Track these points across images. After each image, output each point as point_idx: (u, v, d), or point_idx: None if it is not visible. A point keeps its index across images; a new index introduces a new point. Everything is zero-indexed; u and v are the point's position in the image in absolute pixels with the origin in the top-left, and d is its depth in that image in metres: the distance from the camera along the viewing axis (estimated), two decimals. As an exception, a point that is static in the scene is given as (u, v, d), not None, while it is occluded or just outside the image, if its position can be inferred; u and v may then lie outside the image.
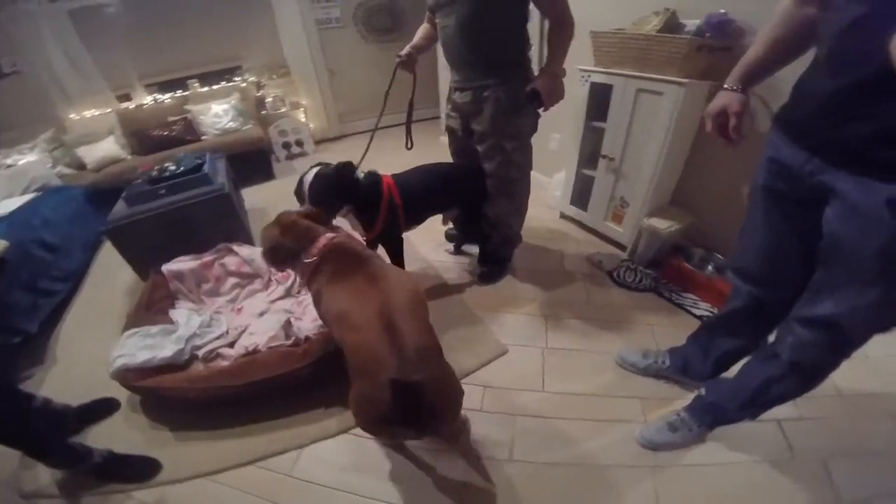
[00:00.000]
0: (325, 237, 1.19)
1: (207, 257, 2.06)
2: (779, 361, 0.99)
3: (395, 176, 1.77)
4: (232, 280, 2.05)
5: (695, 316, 1.76)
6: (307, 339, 1.54)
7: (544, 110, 1.65)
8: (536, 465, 1.29)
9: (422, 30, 1.86)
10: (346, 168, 1.61)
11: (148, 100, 4.03)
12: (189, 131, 3.74)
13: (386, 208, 1.69)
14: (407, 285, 1.09)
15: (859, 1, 0.67)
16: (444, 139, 2.05)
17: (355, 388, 0.98)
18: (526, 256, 2.22)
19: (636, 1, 1.89)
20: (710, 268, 1.87)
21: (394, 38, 4.51)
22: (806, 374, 0.97)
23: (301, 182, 1.61)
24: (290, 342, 1.58)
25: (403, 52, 1.81)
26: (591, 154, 2.19)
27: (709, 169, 1.91)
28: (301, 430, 1.46)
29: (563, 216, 2.54)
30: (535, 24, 2.21)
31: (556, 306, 1.90)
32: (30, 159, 3.26)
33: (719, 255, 1.89)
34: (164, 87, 4.17)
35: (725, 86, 0.99)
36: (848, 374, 0.94)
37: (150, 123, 3.69)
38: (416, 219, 1.85)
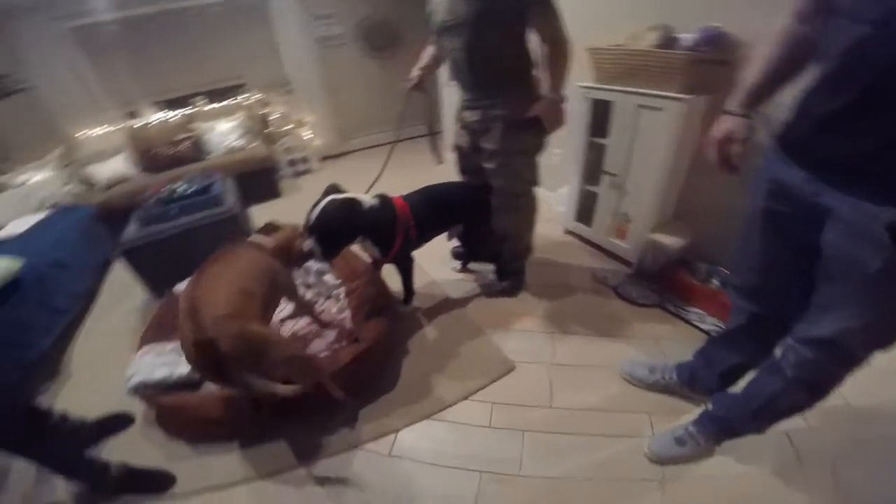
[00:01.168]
0: None
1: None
2: (783, 376, 0.99)
3: (405, 198, 1.82)
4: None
5: (701, 330, 1.77)
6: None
7: (539, 134, 1.71)
8: (546, 480, 1.31)
9: (428, 51, 1.90)
10: (352, 205, 1.59)
11: (155, 117, 4.10)
12: (196, 150, 3.80)
13: (402, 231, 1.73)
14: (221, 271, 1.32)
15: (862, 20, 0.67)
16: (449, 155, 2.09)
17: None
18: (532, 272, 2.24)
19: (630, 17, 1.92)
20: (715, 282, 1.89)
21: (394, 54, 4.59)
22: (811, 389, 0.98)
23: (309, 216, 1.58)
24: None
25: (413, 74, 1.86)
26: (593, 170, 2.22)
27: (710, 182, 1.91)
28: (314, 443, 1.48)
29: (567, 231, 2.57)
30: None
31: (562, 322, 1.91)
32: (40, 178, 3.31)
33: (724, 269, 1.90)
34: (171, 104, 4.25)
35: (729, 109, 0.96)
36: (855, 384, 0.96)
37: (158, 141, 3.74)
38: (424, 238, 1.89)
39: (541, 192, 2.38)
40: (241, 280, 1.31)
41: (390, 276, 2.00)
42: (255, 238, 1.56)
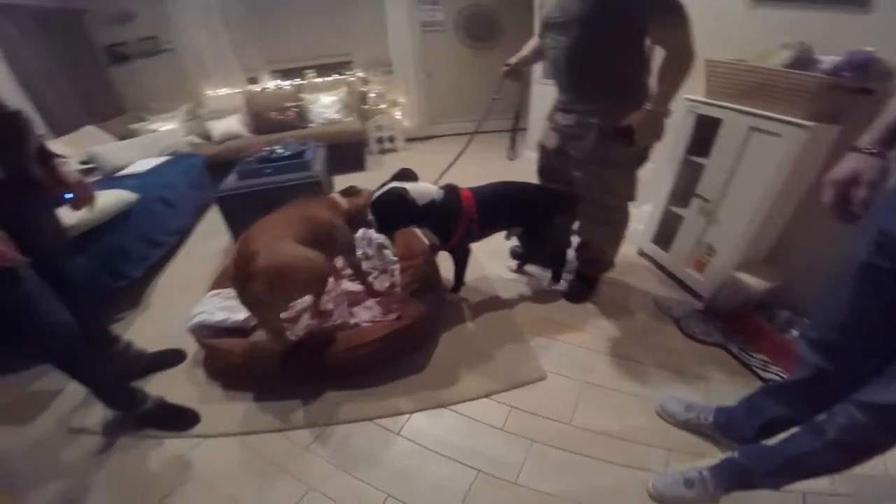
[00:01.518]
0: None
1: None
2: (823, 438, 0.92)
3: (472, 190, 1.81)
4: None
5: (761, 378, 1.60)
6: (356, 325, 1.63)
7: (627, 145, 1.55)
8: (538, 493, 1.28)
9: (531, 43, 1.84)
10: (404, 197, 1.62)
11: (270, 85, 4.51)
12: (299, 118, 4.13)
13: (464, 223, 1.73)
14: (288, 212, 1.59)
15: None
16: (529, 153, 2.04)
17: None
18: (590, 288, 2.14)
19: (765, 32, 1.72)
20: (793, 332, 1.67)
21: (490, 46, 4.58)
22: (850, 453, 0.91)
23: (373, 194, 1.68)
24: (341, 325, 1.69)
25: (512, 60, 1.83)
26: (684, 191, 2.02)
27: (819, 226, 1.67)
28: (331, 409, 1.56)
29: (640, 252, 2.39)
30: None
31: (608, 343, 1.81)
32: (169, 127, 3.83)
33: (807, 321, 1.66)
34: (285, 74, 4.64)
35: (859, 146, 0.81)
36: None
37: (269, 106, 4.13)
38: (484, 233, 1.88)
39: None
40: (299, 222, 1.53)
41: (444, 261, 2.02)
42: (335, 196, 1.81)
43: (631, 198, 1.78)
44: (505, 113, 2.08)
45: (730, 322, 1.84)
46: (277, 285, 1.36)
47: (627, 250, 2.42)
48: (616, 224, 1.85)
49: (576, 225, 1.96)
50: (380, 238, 2.19)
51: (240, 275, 1.38)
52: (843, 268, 0.92)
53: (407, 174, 1.78)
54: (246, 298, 1.43)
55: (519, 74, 1.83)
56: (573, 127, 1.66)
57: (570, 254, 2.11)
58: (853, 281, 0.88)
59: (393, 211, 1.61)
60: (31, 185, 1.27)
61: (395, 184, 1.66)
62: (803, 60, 1.53)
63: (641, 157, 1.67)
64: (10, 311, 1.17)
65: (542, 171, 1.98)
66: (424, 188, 1.69)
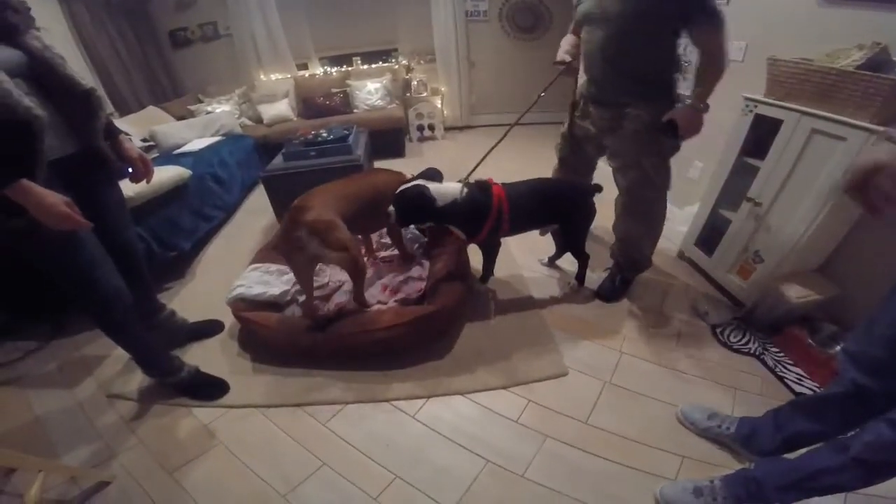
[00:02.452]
0: None
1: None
2: (843, 455, 0.90)
3: (506, 186, 1.78)
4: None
5: (794, 392, 1.53)
6: (381, 309, 1.69)
7: (674, 139, 1.59)
8: (543, 489, 1.27)
9: (570, 40, 1.83)
10: (423, 198, 1.64)
11: (319, 71, 4.63)
12: (344, 103, 4.23)
13: (494, 217, 1.73)
14: (351, 178, 1.88)
15: None
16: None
17: None
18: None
19: (835, 31, 1.60)
20: (836, 348, 1.57)
21: (535, 38, 4.49)
22: (871, 471, 0.88)
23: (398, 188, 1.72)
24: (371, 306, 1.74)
25: (567, 58, 1.79)
26: (734, 193, 1.91)
27: (879, 242, 1.55)
28: (352, 387, 1.62)
29: (681, 255, 2.29)
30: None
31: (637, 345, 1.76)
32: (224, 109, 4.02)
33: (851, 335, 1.55)
34: (333, 60, 4.75)
35: (892, 134, 0.77)
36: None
37: (317, 92, 4.26)
38: (516, 230, 1.86)
39: (671, 207, 2.22)
40: (353, 188, 1.77)
41: (475, 251, 2.01)
42: (404, 175, 1.96)
43: (668, 188, 1.76)
44: (549, 106, 2.03)
45: (769, 332, 1.75)
46: (316, 235, 1.52)
47: (667, 252, 2.34)
48: (656, 218, 1.83)
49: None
50: (412, 230, 2.22)
51: (288, 224, 1.54)
52: None
53: (432, 174, 1.82)
54: (286, 245, 1.57)
55: (575, 71, 1.80)
56: (609, 120, 1.68)
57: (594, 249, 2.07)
58: None
59: (412, 206, 1.65)
60: (100, 158, 1.38)
61: (420, 181, 1.70)
62: (878, 62, 1.41)
63: (677, 148, 1.68)
64: (73, 274, 1.27)
65: (565, 160, 2.02)
66: (445, 189, 1.70)
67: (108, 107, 3.51)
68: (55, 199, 1.07)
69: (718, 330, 1.80)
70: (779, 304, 1.69)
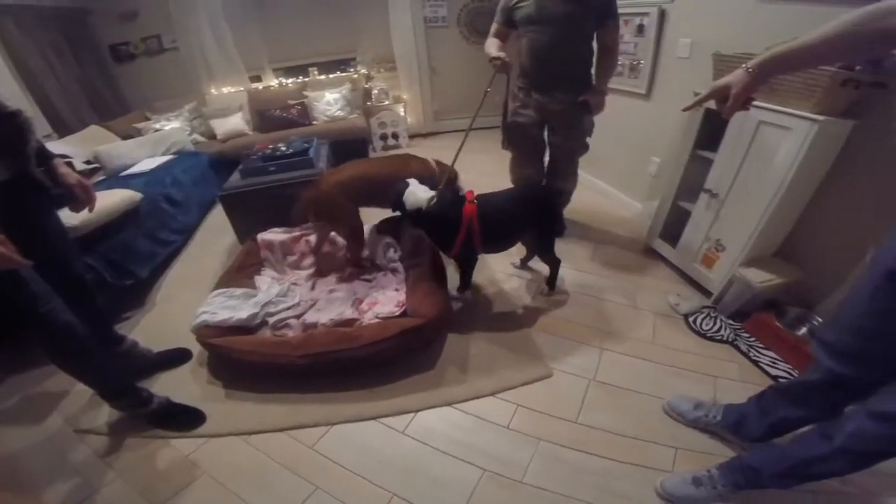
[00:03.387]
0: None
1: (297, 232, 2.25)
2: (829, 444, 0.93)
3: (479, 200, 1.75)
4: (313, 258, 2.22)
5: (770, 376, 1.59)
6: (360, 323, 1.64)
7: (589, 115, 2.10)
8: (545, 492, 1.27)
9: (496, 42, 1.98)
10: (399, 194, 1.76)
11: (274, 82, 4.50)
12: (303, 115, 4.11)
13: (464, 234, 1.72)
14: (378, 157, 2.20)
15: None
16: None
17: None
18: (597, 285, 2.12)
19: (774, 26, 1.68)
20: (803, 329, 1.65)
21: None
22: (856, 460, 0.92)
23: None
24: (348, 321, 1.70)
25: (502, 55, 1.86)
26: (692, 186, 2.00)
27: (832, 223, 1.65)
28: (337, 408, 1.56)
29: (647, 248, 2.36)
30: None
31: (616, 340, 1.79)
32: (174, 126, 3.83)
33: (818, 319, 1.64)
34: (289, 72, 4.62)
35: (744, 66, 0.94)
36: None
37: (273, 104, 4.12)
38: (490, 247, 1.86)
39: (625, 200, 2.58)
40: (375, 170, 2.05)
41: (452, 261, 2.00)
42: (432, 161, 2.20)
43: (587, 150, 2.26)
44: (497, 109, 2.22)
45: (739, 318, 1.82)
46: (314, 207, 1.88)
47: (633, 246, 2.42)
48: (576, 173, 2.37)
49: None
50: (387, 238, 2.19)
51: (307, 191, 1.93)
52: (868, 273, 0.91)
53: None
54: (302, 212, 1.97)
55: (509, 68, 1.89)
56: (556, 105, 2.05)
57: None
58: (877, 287, 0.87)
59: (394, 200, 1.77)
60: (34, 185, 1.27)
61: (412, 181, 1.78)
62: (815, 54, 1.49)
63: (592, 124, 2.17)
64: (16, 313, 1.17)
65: (518, 144, 2.30)
66: (417, 195, 1.71)
67: (45, 128, 3.26)
68: None
69: (691, 319, 1.86)
70: (744, 290, 1.76)
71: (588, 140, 2.19)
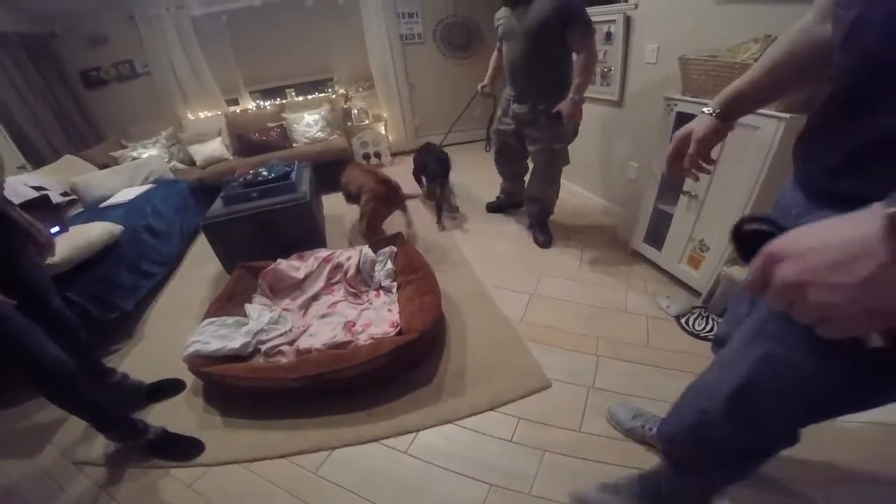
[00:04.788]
0: None
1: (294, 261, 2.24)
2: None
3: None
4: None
5: None
6: (355, 345, 1.63)
7: (562, 125, 2.15)
8: (555, 503, 1.25)
9: (495, 57, 2.43)
10: None
11: (251, 105, 4.49)
12: (283, 138, 4.09)
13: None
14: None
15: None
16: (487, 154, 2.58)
17: None
18: (587, 292, 2.14)
19: (734, 27, 1.76)
20: None
21: (469, 55, 4.64)
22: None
23: None
24: (342, 344, 1.68)
25: (487, 83, 2.53)
26: (671, 189, 2.05)
27: None
28: (337, 431, 1.53)
29: (633, 253, 2.41)
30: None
31: (611, 346, 1.80)
32: (151, 153, 3.77)
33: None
34: (266, 94, 4.62)
35: (704, 109, 0.88)
36: None
37: (252, 127, 4.09)
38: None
39: (615, 209, 2.65)
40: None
41: (445, 275, 2.01)
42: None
43: (567, 163, 2.39)
44: (481, 122, 2.39)
45: (730, 317, 1.86)
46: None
47: (619, 251, 2.45)
48: (558, 181, 2.46)
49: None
50: (372, 255, 2.18)
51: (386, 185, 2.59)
52: None
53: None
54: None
55: (493, 89, 2.40)
56: (527, 113, 2.21)
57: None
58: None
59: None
60: (7, 222, 1.26)
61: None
62: (772, 53, 1.56)
63: (574, 133, 2.26)
64: (2, 350, 1.17)
65: (500, 151, 2.61)
66: None
67: (18, 159, 3.16)
68: None
69: (683, 320, 1.88)
70: (731, 288, 1.80)
71: (559, 148, 2.26)
